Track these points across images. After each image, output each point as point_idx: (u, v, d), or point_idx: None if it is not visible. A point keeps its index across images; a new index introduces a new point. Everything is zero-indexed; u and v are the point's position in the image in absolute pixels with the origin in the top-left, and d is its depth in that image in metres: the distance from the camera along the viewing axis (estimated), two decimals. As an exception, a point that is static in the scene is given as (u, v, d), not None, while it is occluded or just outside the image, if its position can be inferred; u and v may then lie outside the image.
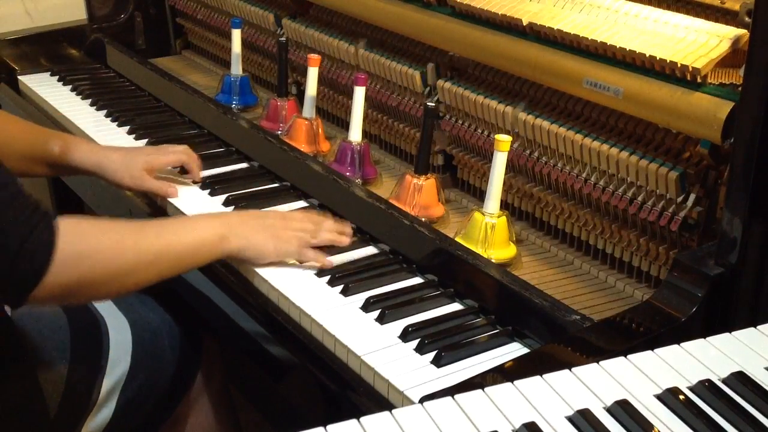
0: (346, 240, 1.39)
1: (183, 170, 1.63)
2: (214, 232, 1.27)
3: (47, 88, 2.13)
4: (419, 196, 1.51)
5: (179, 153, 1.60)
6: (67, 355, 1.35)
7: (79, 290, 1.15)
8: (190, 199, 1.57)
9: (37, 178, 2.40)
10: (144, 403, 1.44)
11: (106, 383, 1.38)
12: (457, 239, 1.39)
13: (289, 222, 1.35)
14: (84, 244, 1.13)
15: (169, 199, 1.56)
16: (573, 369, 0.88)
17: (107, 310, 1.46)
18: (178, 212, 1.54)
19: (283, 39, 1.88)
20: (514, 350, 1.18)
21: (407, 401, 1.06)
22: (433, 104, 1.52)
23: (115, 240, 1.17)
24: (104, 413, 1.39)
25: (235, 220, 1.31)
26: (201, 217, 1.32)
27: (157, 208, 1.59)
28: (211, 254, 1.27)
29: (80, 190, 1.93)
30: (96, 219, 1.20)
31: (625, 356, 0.91)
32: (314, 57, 1.76)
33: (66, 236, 1.10)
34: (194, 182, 1.62)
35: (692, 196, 1.26)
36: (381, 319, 1.23)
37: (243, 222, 1.31)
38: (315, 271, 1.34)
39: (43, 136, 1.54)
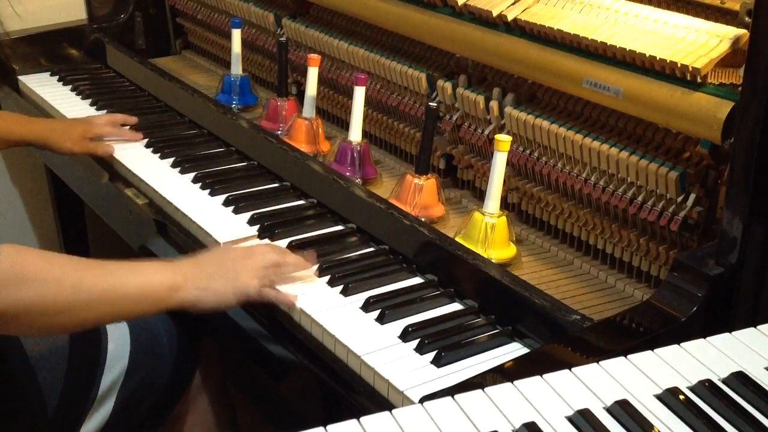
0: (311, 272, 1.33)
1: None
2: (166, 281, 1.19)
3: (47, 88, 2.13)
4: (419, 196, 1.51)
5: (109, 127, 1.80)
6: (66, 353, 1.35)
7: (10, 317, 1.09)
8: (191, 198, 1.57)
9: (35, 183, 2.42)
10: (142, 401, 1.45)
11: (105, 381, 1.38)
12: (457, 239, 1.39)
13: (251, 261, 1.26)
14: (23, 268, 1.09)
15: (169, 199, 1.56)
16: (573, 369, 0.88)
17: None
18: (179, 212, 1.54)
19: (283, 39, 1.88)
20: (514, 350, 1.18)
21: (407, 401, 1.06)
22: (435, 104, 1.52)
23: (56, 272, 1.12)
24: (103, 411, 1.39)
25: (191, 269, 1.23)
26: (154, 264, 1.24)
27: (157, 208, 1.59)
28: (161, 303, 1.20)
29: (80, 190, 1.93)
30: (41, 250, 1.17)
31: (625, 356, 0.91)
32: (314, 57, 1.76)
33: (6, 257, 1.08)
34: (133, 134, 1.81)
35: (692, 196, 1.26)
36: (381, 319, 1.23)
37: (199, 269, 1.23)
38: (315, 271, 1.34)
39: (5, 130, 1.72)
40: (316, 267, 1.33)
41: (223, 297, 1.23)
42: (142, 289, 1.18)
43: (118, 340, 1.42)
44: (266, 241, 1.43)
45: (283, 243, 1.42)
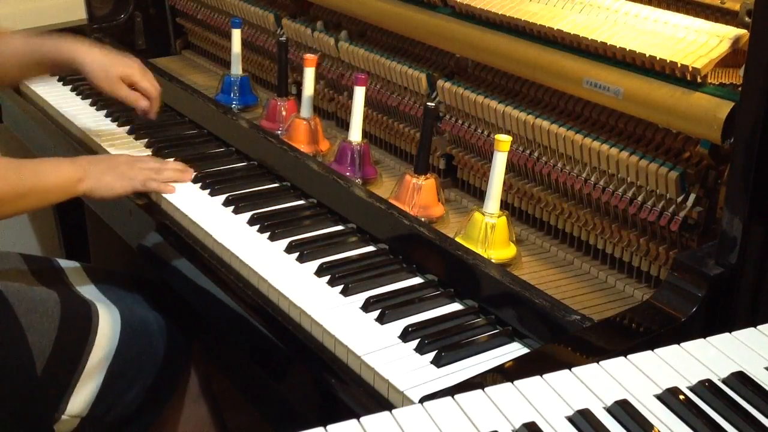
0: (189, 176, 1.61)
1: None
2: (73, 175, 1.46)
3: (47, 88, 2.12)
4: (419, 196, 1.51)
5: (151, 86, 1.74)
6: (56, 324, 1.42)
7: None
8: (190, 198, 1.57)
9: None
10: (132, 383, 1.47)
11: (94, 355, 1.43)
12: (457, 239, 1.39)
13: (136, 162, 1.57)
14: None
15: (169, 198, 1.56)
16: (573, 369, 0.88)
17: (97, 298, 1.50)
18: (178, 212, 1.54)
19: (283, 39, 1.88)
20: (514, 350, 1.18)
21: (407, 401, 1.06)
22: (433, 104, 1.52)
23: (1, 170, 1.36)
24: (91, 385, 1.43)
25: (87, 164, 1.50)
26: (62, 161, 1.51)
27: (156, 207, 1.59)
28: (68, 193, 1.47)
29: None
30: None
31: (625, 356, 0.91)
32: (310, 57, 1.76)
33: None
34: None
35: (692, 196, 1.26)
36: (381, 319, 1.23)
37: (94, 165, 1.51)
38: (315, 271, 1.34)
39: (31, 44, 1.70)
40: (192, 175, 1.62)
41: (113, 188, 1.50)
42: (58, 182, 1.45)
43: (109, 321, 1.47)
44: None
45: (284, 243, 1.42)
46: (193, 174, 1.62)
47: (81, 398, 1.43)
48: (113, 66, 1.69)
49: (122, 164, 1.55)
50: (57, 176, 1.45)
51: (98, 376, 1.45)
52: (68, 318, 1.44)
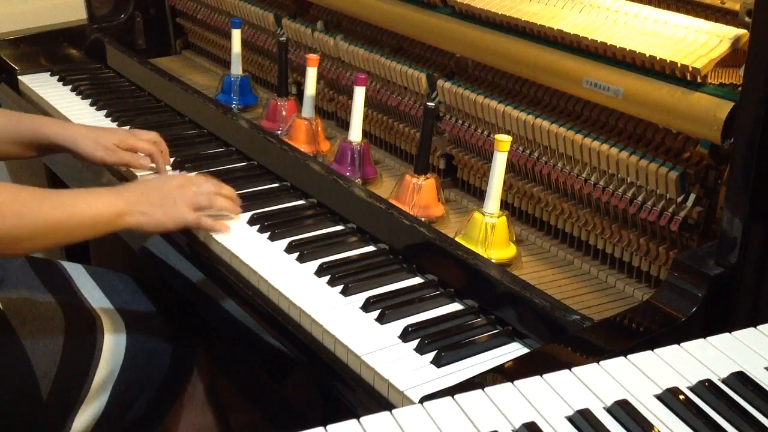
0: (239, 210, 1.48)
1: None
2: (114, 207, 1.31)
3: (47, 88, 2.13)
4: (419, 196, 1.51)
5: (150, 143, 1.62)
6: (61, 344, 1.38)
7: None
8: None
9: (34, 183, 2.41)
10: (136, 399, 1.46)
11: (99, 373, 1.40)
12: (457, 239, 1.39)
13: (187, 190, 1.40)
14: None
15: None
16: (573, 369, 0.88)
17: (103, 308, 1.48)
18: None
19: (284, 39, 1.88)
20: (514, 350, 1.18)
21: (407, 401, 1.06)
22: (433, 104, 1.52)
23: (17, 205, 1.21)
24: (97, 404, 1.41)
25: (134, 197, 1.34)
26: (101, 191, 1.36)
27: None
28: (108, 228, 1.32)
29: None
30: (2, 183, 1.24)
31: (625, 356, 0.91)
32: (313, 57, 1.76)
33: None
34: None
35: (692, 196, 1.26)
36: (381, 319, 1.23)
37: (141, 195, 1.35)
38: (315, 271, 1.34)
39: (16, 118, 1.58)
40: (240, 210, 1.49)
41: (162, 223, 1.36)
42: (93, 216, 1.29)
43: (114, 337, 1.43)
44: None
45: (284, 243, 1.42)
46: (240, 210, 1.49)
47: (86, 417, 1.41)
48: (103, 136, 1.59)
49: (174, 190, 1.38)
50: (92, 209, 1.29)
51: (103, 395, 1.42)
52: (73, 338, 1.40)
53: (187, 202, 1.38)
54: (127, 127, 1.83)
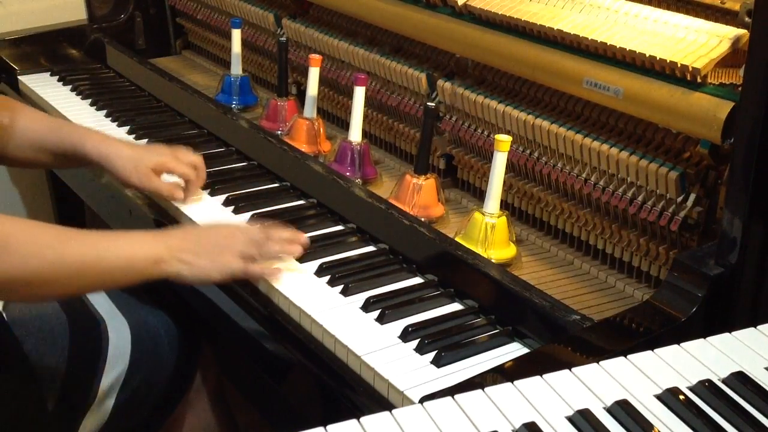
0: (297, 249, 1.33)
1: None
2: (151, 253, 1.20)
3: (47, 88, 2.13)
4: (419, 196, 1.51)
5: (189, 169, 1.53)
6: (66, 353, 1.36)
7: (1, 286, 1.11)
8: (190, 199, 1.57)
9: (35, 183, 2.41)
10: (142, 403, 1.45)
11: (105, 381, 1.38)
12: (457, 239, 1.39)
13: (235, 239, 1.27)
14: (5, 239, 1.09)
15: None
16: (573, 369, 0.88)
17: (107, 310, 1.47)
18: (177, 211, 1.54)
19: (283, 39, 1.88)
20: (514, 350, 1.18)
21: (407, 401, 1.06)
22: (433, 104, 1.52)
23: (39, 244, 1.12)
24: (102, 411, 1.40)
25: (176, 243, 1.23)
26: (138, 235, 1.24)
27: (157, 208, 1.59)
28: (143, 275, 1.21)
29: (80, 190, 1.93)
30: (25, 220, 1.16)
31: (625, 356, 0.91)
32: (315, 57, 1.76)
33: None
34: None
35: (692, 196, 1.26)
36: (381, 319, 1.23)
37: (184, 244, 1.24)
38: (315, 271, 1.34)
39: (54, 125, 1.52)
40: (306, 240, 1.34)
41: (207, 273, 1.24)
42: (125, 261, 1.18)
43: (119, 342, 1.42)
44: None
45: (283, 243, 1.42)
46: (302, 244, 1.34)
47: (91, 424, 1.39)
48: (143, 158, 1.48)
49: (221, 239, 1.27)
50: (126, 252, 1.18)
51: (108, 401, 1.40)
52: (78, 347, 1.38)
53: (234, 251, 1.26)
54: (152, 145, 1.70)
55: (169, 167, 1.51)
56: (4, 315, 1.35)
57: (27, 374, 1.31)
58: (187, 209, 1.53)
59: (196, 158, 1.55)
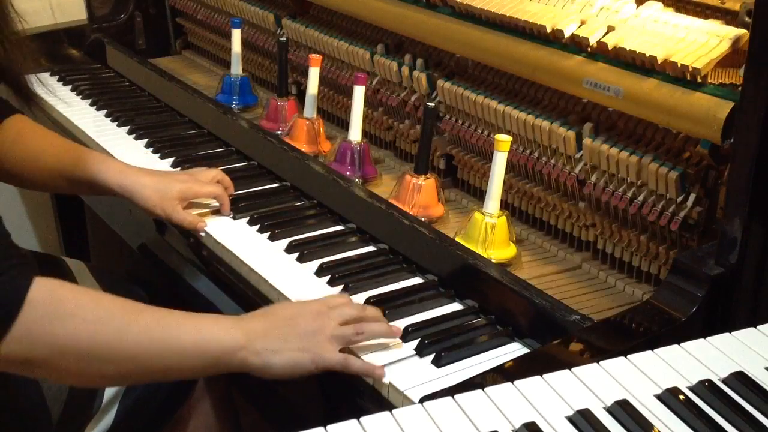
0: (398, 331, 1.15)
1: None
2: (230, 338, 1.03)
3: (47, 88, 2.12)
4: (419, 195, 1.51)
5: (214, 187, 1.50)
6: None
7: (41, 360, 0.98)
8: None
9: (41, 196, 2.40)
10: (146, 407, 1.45)
11: (108, 390, 1.38)
12: (457, 239, 1.39)
13: (326, 319, 1.09)
14: (61, 303, 0.98)
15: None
16: (573, 369, 0.88)
17: None
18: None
19: (284, 39, 1.88)
20: (514, 350, 1.18)
21: (407, 401, 1.06)
22: (433, 104, 1.52)
23: (100, 311, 1.00)
24: (106, 419, 1.39)
25: (260, 327, 1.06)
26: (218, 318, 1.08)
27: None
28: (220, 364, 1.05)
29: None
30: (85, 288, 1.07)
31: (625, 356, 0.91)
32: (315, 57, 1.76)
33: (41, 289, 0.97)
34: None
35: (692, 196, 1.26)
36: (381, 319, 1.23)
37: (269, 329, 1.06)
38: (315, 271, 1.34)
39: (74, 153, 1.48)
40: (400, 330, 1.17)
41: (299, 363, 1.07)
42: (200, 344, 1.02)
43: None
44: (338, 290, 1.27)
45: (283, 243, 1.42)
46: (400, 332, 1.16)
47: (96, 430, 1.38)
48: (167, 189, 1.44)
49: (310, 321, 1.08)
50: (201, 335, 1.02)
51: (112, 410, 1.40)
52: None
53: (328, 334, 1.08)
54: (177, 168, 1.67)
55: (193, 192, 1.47)
56: None
57: (32, 384, 1.31)
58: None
59: (216, 173, 1.52)
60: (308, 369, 1.07)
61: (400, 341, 1.15)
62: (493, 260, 1.35)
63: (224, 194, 1.51)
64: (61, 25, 2.35)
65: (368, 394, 1.12)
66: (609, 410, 0.83)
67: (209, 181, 1.51)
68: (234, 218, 1.51)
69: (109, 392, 1.38)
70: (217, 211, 1.51)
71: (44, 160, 1.46)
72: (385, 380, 1.10)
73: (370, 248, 1.43)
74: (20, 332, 0.94)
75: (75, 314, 0.97)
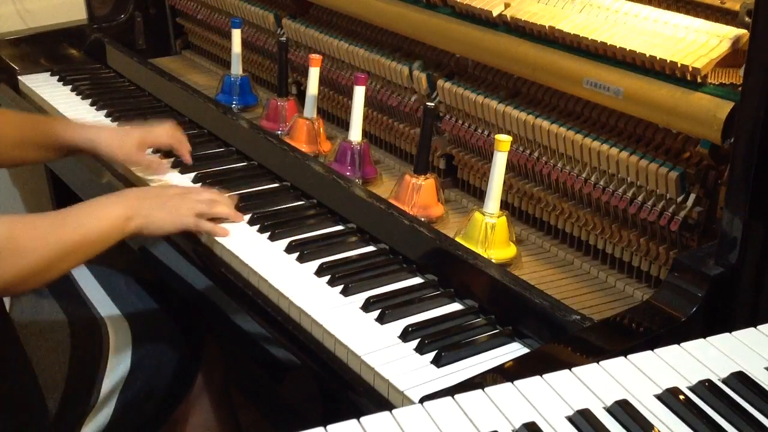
0: (241, 217, 1.47)
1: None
2: (120, 213, 1.32)
3: (47, 88, 2.13)
4: (418, 195, 1.51)
5: (168, 137, 1.65)
6: (67, 356, 1.36)
7: (10, 285, 1.20)
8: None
9: (35, 183, 2.41)
10: (144, 403, 1.45)
11: (106, 384, 1.38)
12: (457, 239, 1.39)
13: (188, 196, 1.42)
14: (18, 241, 1.19)
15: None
16: (573, 369, 0.88)
17: (107, 311, 1.47)
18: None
19: (284, 39, 1.88)
20: (514, 350, 1.18)
21: (407, 401, 1.06)
22: (433, 104, 1.52)
23: (39, 234, 1.22)
24: (104, 413, 1.40)
25: (136, 201, 1.36)
26: (104, 202, 1.35)
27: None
28: (120, 235, 1.32)
29: (80, 190, 1.93)
30: (27, 218, 1.28)
31: (625, 356, 0.91)
32: (315, 57, 1.76)
33: (2, 232, 1.17)
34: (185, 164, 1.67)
35: (692, 196, 1.26)
36: (381, 319, 1.23)
37: (143, 200, 1.37)
38: (315, 271, 1.34)
39: (32, 122, 1.59)
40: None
41: (163, 226, 1.37)
42: (107, 228, 1.30)
43: (120, 343, 1.42)
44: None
45: (284, 243, 1.42)
46: (242, 218, 1.48)
47: (93, 427, 1.40)
48: (126, 137, 1.61)
49: (174, 197, 1.40)
50: (103, 221, 1.30)
51: (110, 404, 1.41)
52: (79, 351, 1.39)
53: (187, 207, 1.39)
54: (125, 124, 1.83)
55: (148, 143, 1.64)
56: (13, 321, 1.35)
57: (29, 377, 1.31)
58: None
59: (168, 126, 1.67)
60: (171, 230, 1.39)
61: (244, 220, 1.48)
62: (493, 260, 1.35)
63: (179, 145, 1.65)
64: (60, 25, 2.35)
65: (368, 394, 1.12)
66: (609, 410, 0.83)
67: (165, 134, 1.66)
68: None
69: (106, 386, 1.39)
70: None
71: (7, 137, 1.53)
72: (385, 378, 1.10)
73: (370, 248, 1.43)
74: None
75: (26, 247, 1.20)
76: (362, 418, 0.78)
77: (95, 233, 1.29)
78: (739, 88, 1.10)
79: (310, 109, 1.76)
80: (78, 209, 1.32)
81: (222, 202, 1.46)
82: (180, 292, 1.52)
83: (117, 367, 1.41)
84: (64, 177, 2.02)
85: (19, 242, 1.19)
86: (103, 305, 1.49)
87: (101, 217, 1.31)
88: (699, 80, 1.22)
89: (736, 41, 1.22)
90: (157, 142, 1.65)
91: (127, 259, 1.62)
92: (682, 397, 0.85)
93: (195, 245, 1.47)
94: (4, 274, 1.17)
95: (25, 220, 1.28)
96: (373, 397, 1.12)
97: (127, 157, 1.60)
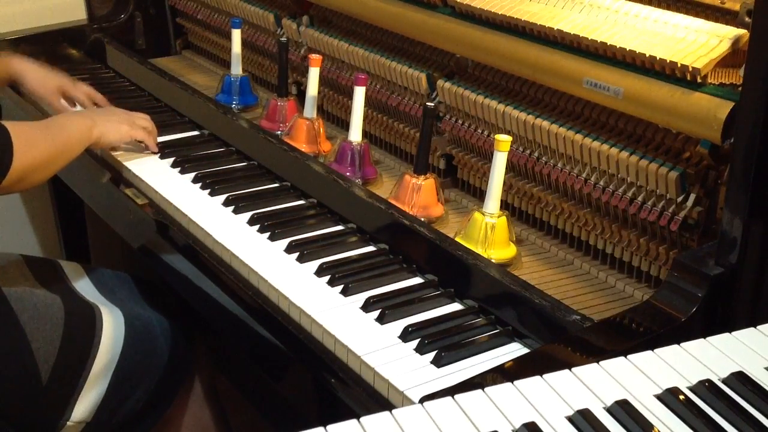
0: (156, 151, 1.74)
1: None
2: (88, 123, 1.58)
3: (47, 88, 2.12)
4: (418, 195, 1.51)
5: (85, 96, 1.88)
6: (60, 330, 1.42)
7: (27, 173, 1.38)
8: (190, 198, 1.57)
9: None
10: (135, 390, 1.47)
11: (99, 361, 1.43)
12: (457, 239, 1.39)
13: (130, 116, 1.72)
14: (26, 134, 1.39)
15: (169, 198, 1.56)
16: (573, 369, 0.88)
17: (100, 301, 1.49)
18: (179, 212, 1.54)
19: (284, 39, 1.88)
20: (514, 350, 1.18)
21: (407, 401, 1.06)
22: (433, 104, 1.52)
23: (39, 134, 1.44)
24: (97, 390, 1.43)
25: (96, 115, 1.66)
26: (73, 116, 1.70)
27: (157, 208, 1.60)
28: (86, 142, 1.57)
29: (80, 190, 1.93)
30: (15, 122, 1.41)
31: (625, 356, 0.91)
32: (315, 57, 1.76)
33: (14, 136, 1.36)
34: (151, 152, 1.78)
35: (692, 196, 1.26)
36: (381, 319, 1.23)
37: (98, 113, 1.71)
38: (315, 271, 1.34)
39: None
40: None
41: (119, 129, 1.65)
42: (80, 134, 1.56)
43: (113, 327, 1.46)
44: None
45: (283, 243, 1.42)
46: (158, 151, 1.75)
47: (86, 404, 1.43)
48: (49, 78, 1.85)
49: (121, 114, 1.70)
50: (77, 128, 1.54)
51: (103, 381, 1.45)
52: (72, 324, 1.43)
53: (130, 122, 1.69)
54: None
55: (68, 89, 1.85)
56: (8, 297, 1.39)
57: (22, 345, 1.36)
58: (189, 211, 1.53)
59: (90, 90, 1.88)
60: (125, 135, 1.67)
61: (158, 156, 1.74)
62: (493, 260, 1.35)
63: (91, 106, 1.86)
64: (60, 25, 2.35)
65: (368, 394, 1.12)
66: (609, 410, 0.83)
67: (82, 92, 1.87)
68: (234, 216, 1.52)
69: (98, 363, 1.44)
70: (216, 212, 1.52)
71: None
72: (385, 378, 1.10)
73: (370, 248, 1.43)
74: (17, 162, 1.36)
75: (35, 142, 1.41)
76: (362, 418, 0.78)
77: (75, 137, 1.53)
78: (739, 88, 1.10)
79: (310, 109, 1.76)
80: (54, 120, 1.58)
81: (153, 133, 1.74)
82: (180, 292, 1.52)
83: (110, 347, 1.45)
84: (64, 177, 2.02)
85: (28, 136, 1.39)
86: (97, 298, 1.52)
87: (74, 125, 1.55)
88: (699, 80, 1.22)
89: (736, 41, 1.22)
90: (73, 95, 1.86)
91: (127, 259, 1.65)
92: (682, 397, 0.85)
93: (194, 245, 1.47)
94: (20, 162, 1.34)
95: (21, 124, 1.44)
96: (373, 397, 1.12)
97: (46, 94, 1.84)
